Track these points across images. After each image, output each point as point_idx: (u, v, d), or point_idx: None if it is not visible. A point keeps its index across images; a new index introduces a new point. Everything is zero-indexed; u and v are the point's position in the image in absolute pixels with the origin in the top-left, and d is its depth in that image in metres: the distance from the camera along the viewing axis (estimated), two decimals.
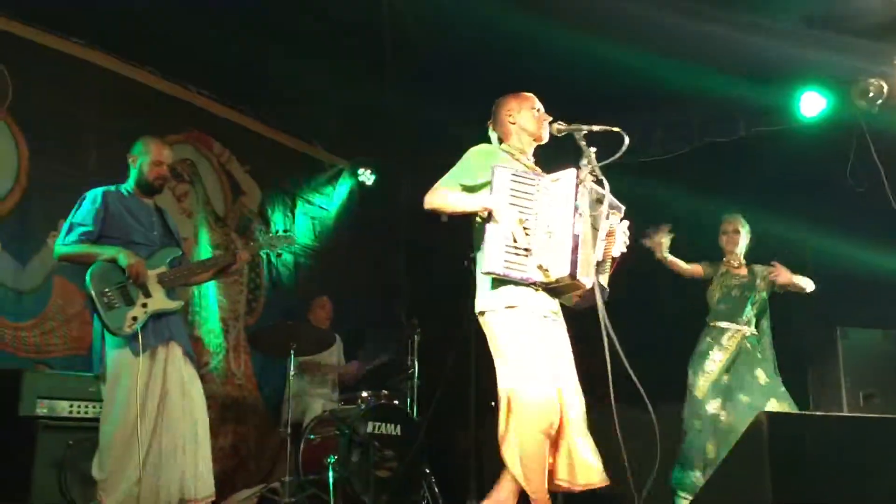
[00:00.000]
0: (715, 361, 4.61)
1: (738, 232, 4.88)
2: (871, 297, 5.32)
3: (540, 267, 3.07)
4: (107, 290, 3.72)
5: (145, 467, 3.65)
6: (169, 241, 4.07)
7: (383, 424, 5.17)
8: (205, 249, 5.99)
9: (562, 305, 3.36)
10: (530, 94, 3.54)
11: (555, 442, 3.11)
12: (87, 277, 3.73)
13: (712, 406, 4.53)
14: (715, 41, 4.99)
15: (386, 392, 5.45)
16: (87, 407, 4.45)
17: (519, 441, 3.05)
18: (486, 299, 3.24)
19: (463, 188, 3.28)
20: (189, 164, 6.11)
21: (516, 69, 5.47)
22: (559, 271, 3.06)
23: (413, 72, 5.82)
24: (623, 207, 3.35)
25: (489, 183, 3.18)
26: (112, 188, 4.00)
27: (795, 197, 5.56)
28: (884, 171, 5.12)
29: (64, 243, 3.84)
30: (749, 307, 4.72)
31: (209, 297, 5.99)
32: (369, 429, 5.07)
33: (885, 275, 5.15)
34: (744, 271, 4.85)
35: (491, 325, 3.22)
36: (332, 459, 4.87)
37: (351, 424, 4.97)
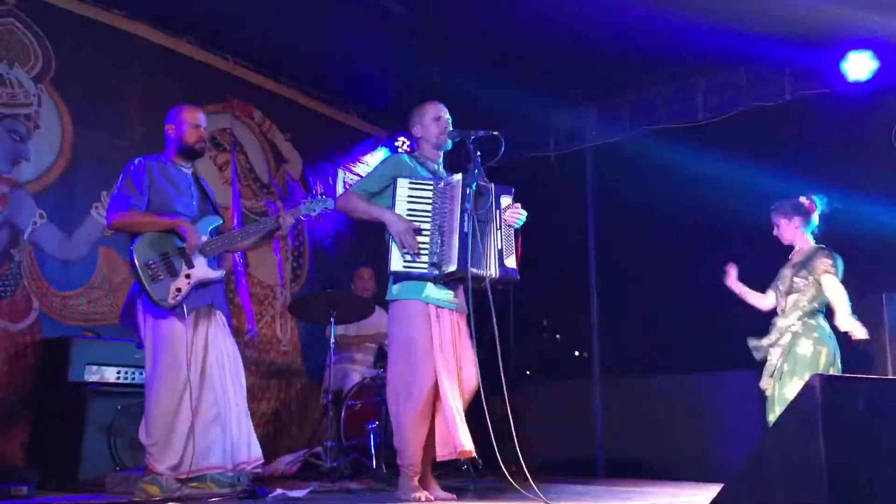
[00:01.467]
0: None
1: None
2: None
3: (434, 264, 3.59)
4: (150, 261, 3.77)
5: (192, 434, 3.71)
6: (207, 210, 4.09)
7: None
8: (238, 217, 6.05)
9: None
10: (434, 104, 3.96)
11: (432, 419, 3.65)
12: (132, 250, 3.77)
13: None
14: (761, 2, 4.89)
15: None
16: (133, 373, 4.56)
17: (393, 418, 3.68)
18: (393, 290, 3.76)
19: (370, 195, 3.82)
20: (228, 134, 6.15)
21: (559, 39, 5.43)
22: (450, 266, 3.56)
23: (455, 42, 5.79)
24: (512, 189, 3.78)
25: (391, 190, 3.71)
26: (152, 158, 4.03)
27: (841, 162, 5.46)
28: None
29: (116, 213, 3.87)
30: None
31: (251, 265, 6.05)
32: None
33: None
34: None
35: (392, 314, 3.75)
36: (372, 425, 4.93)
37: None
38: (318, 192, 6.51)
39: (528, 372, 6.65)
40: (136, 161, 3.97)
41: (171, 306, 3.74)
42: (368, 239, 6.96)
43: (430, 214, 3.65)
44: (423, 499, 3.57)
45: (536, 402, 6.39)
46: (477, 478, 5.15)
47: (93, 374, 4.46)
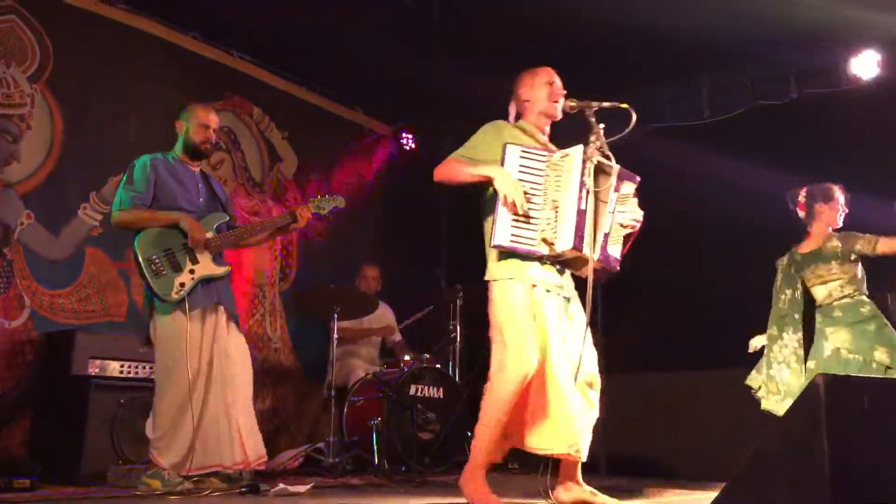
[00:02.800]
0: None
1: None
2: None
3: (545, 240, 3.18)
4: (154, 256, 3.78)
5: (198, 430, 3.72)
6: (215, 207, 4.10)
7: (426, 387, 5.22)
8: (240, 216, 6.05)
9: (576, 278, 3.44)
10: (546, 69, 3.57)
11: (530, 409, 3.27)
12: (135, 245, 3.79)
13: None
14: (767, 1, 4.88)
15: (428, 356, 5.49)
16: (137, 367, 4.56)
17: (485, 404, 3.26)
18: (493, 270, 3.35)
19: (472, 161, 3.36)
20: (226, 132, 6.14)
21: (563, 35, 5.42)
22: (563, 244, 3.15)
23: (457, 37, 5.77)
24: (638, 178, 3.35)
25: (501, 159, 3.27)
26: (159, 155, 4.03)
27: (847, 161, 5.44)
28: None
29: (121, 210, 3.88)
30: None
31: (242, 263, 6.04)
32: (412, 391, 5.12)
33: None
34: None
35: (493, 294, 3.34)
36: (375, 421, 4.93)
37: (394, 387, 5.02)
38: (311, 194, 6.55)
39: None
40: (142, 159, 3.98)
41: (175, 301, 3.74)
42: (362, 235, 7.00)
43: (541, 188, 3.23)
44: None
45: None
46: None
47: (96, 368, 4.46)
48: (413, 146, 7.39)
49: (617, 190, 3.27)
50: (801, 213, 4.51)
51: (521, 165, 3.24)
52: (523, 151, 3.26)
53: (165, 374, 3.75)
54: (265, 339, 6.17)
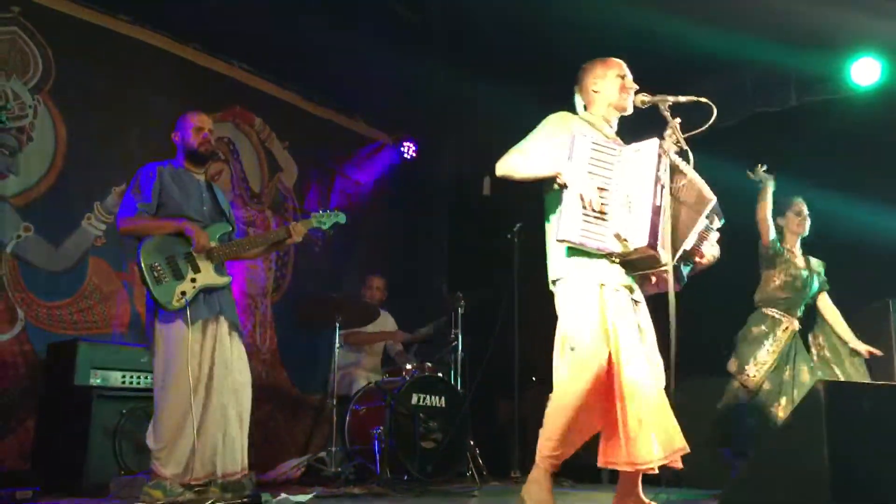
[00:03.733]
0: (769, 352, 4.45)
1: (807, 216, 4.65)
2: None
3: (618, 236, 2.98)
4: (157, 264, 3.78)
5: (199, 439, 3.72)
6: (219, 217, 4.11)
7: (428, 396, 5.21)
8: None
9: None
10: (618, 61, 3.38)
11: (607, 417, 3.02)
12: (139, 251, 3.79)
13: (780, 406, 4.36)
14: (767, 7, 4.89)
15: (430, 364, 5.49)
16: (139, 378, 4.57)
17: (549, 414, 3.07)
18: (559, 267, 3.15)
19: (536, 155, 3.16)
20: (226, 143, 6.16)
21: (560, 44, 5.43)
22: (637, 240, 2.95)
23: (456, 46, 5.80)
24: (714, 200, 3.12)
25: (568, 152, 3.08)
26: (165, 163, 4.05)
27: (847, 168, 5.44)
28: None
29: (125, 217, 3.89)
30: (803, 305, 4.60)
31: (235, 274, 6.04)
32: (414, 400, 5.12)
33: None
34: (803, 262, 4.65)
35: (561, 293, 3.14)
36: (377, 430, 4.93)
37: (396, 396, 5.01)
38: (311, 205, 6.56)
39: (534, 378, 6.62)
40: (148, 166, 3.99)
41: (175, 309, 3.75)
42: (362, 244, 7.01)
43: (612, 183, 3.04)
44: None
45: (543, 409, 6.36)
46: (481, 483, 5.15)
47: (98, 378, 4.46)
48: (414, 155, 7.40)
49: (709, 218, 3.12)
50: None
51: (591, 159, 3.04)
52: (594, 144, 3.08)
53: (166, 383, 3.75)
54: (255, 350, 6.16)
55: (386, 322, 6.09)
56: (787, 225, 4.65)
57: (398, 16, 5.57)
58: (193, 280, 3.83)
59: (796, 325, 4.56)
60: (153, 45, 5.67)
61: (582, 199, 2.96)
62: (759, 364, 4.44)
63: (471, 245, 7.32)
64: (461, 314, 5.79)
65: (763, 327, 4.52)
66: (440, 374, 5.47)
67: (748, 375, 4.45)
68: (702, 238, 3.14)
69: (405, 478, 4.87)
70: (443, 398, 5.29)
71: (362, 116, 7.24)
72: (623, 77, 3.34)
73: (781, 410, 4.37)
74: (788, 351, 4.49)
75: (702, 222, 3.08)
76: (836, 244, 4.82)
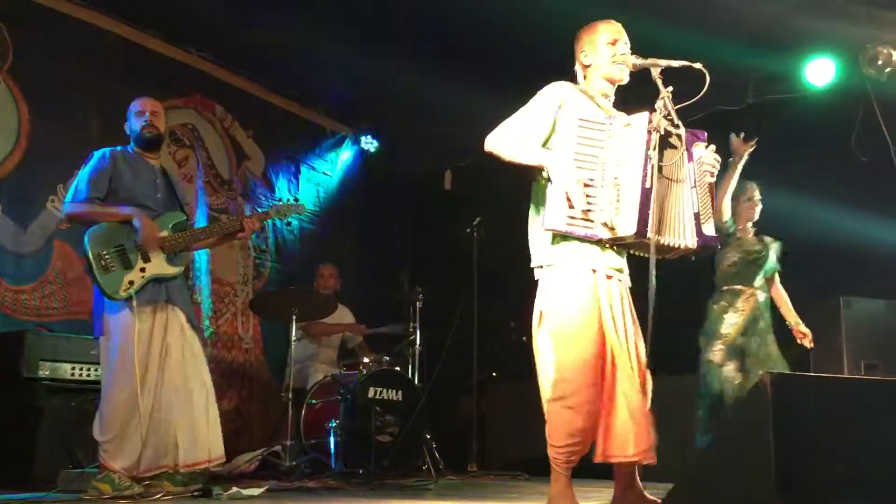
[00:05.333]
0: (731, 325, 4.49)
1: (758, 201, 4.73)
2: (874, 267, 5.30)
3: (605, 224, 2.85)
4: (104, 252, 3.71)
5: (148, 431, 3.66)
6: (173, 206, 4.04)
7: (385, 390, 5.19)
8: (203, 214, 5.98)
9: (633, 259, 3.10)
10: (608, 24, 3.15)
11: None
12: (86, 239, 3.72)
13: (729, 368, 4.42)
14: (725, 7, 4.94)
15: (388, 358, 5.46)
16: (89, 370, 4.47)
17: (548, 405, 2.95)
18: (543, 254, 3.02)
19: (525, 134, 3.02)
20: (189, 129, 6.07)
21: (522, 40, 5.44)
22: (626, 229, 2.82)
23: (418, 40, 5.78)
24: (705, 133, 3.02)
25: (557, 129, 2.98)
26: (118, 148, 3.97)
27: (801, 166, 5.53)
28: (891, 140, 5.07)
29: (73, 202, 3.82)
30: (761, 275, 4.67)
31: (206, 262, 5.97)
32: (371, 394, 5.09)
33: (889, 245, 5.13)
34: (755, 239, 4.72)
35: (547, 279, 3.01)
36: (332, 424, 4.90)
37: (352, 389, 4.99)
38: (282, 193, 6.51)
39: (494, 374, 6.63)
40: (100, 152, 3.92)
41: (122, 299, 3.68)
42: (332, 235, 7.00)
43: (602, 162, 2.89)
44: None
45: (503, 404, 6.38)
46: (437, 477, 5.15)
47: (46, 371, 4.37)
48: (375, 148, 7.38)
49: (691, 159, 2.96)
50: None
51: (579, 137, 2.89)
52: (581, 121, 2.92)
53: (113, 374, 3.68)
54: (236, 338, 6.11)
55: (343, 315, 6.05)
56: (738, 209, 4.71)
57: (360, 8, 5.51)
58: (143, 270, 3.76)
59: (760, 295, 4.59)
60: (113, 31, 5.56)
61: (567, 198, 2.85)
62: (721, 338, 4.49)
63: (432, 239, 7.31)
64: (419, 308, 5.78)
65: (723, 303, 4.58)
66: (397, 368, 5.46)
67: (714, 350, 4.49)
68: (703, 184, 2.99)
69: (360, 472, 4.84)
70: (400, 392, 5.28)
71: (324, 109, 7.18)
72: (614, 42, 3.10)
73: (731, 372, 4.43)
74: (753, 321, 4.53)
75: (691, 169, 2.95)
76: (789, 241, 4.88)
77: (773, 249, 4.69)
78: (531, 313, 3.09)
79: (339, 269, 6.21)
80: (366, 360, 5.39)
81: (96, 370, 4.39)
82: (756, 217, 4.72)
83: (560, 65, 3.44)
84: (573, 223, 2.87)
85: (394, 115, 7.00)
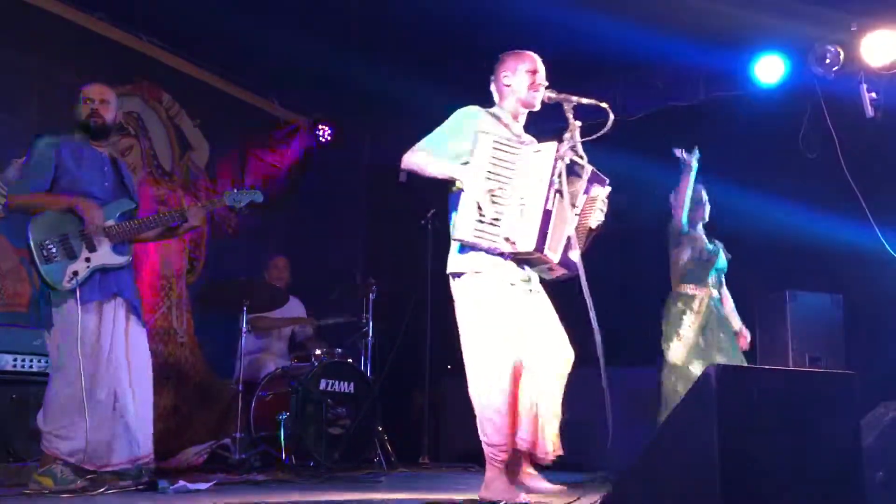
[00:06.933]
0: (689, 326, 4.62)
1: (706, 202, 4.84)
2: (820, 262, 5.40)
3: (507, 239, 3.12)
4: (47, 241, 3.60)
5: (92, 422, 3.57)
6: (121, 194, 3.93)
7: (336, 382, 5.15)
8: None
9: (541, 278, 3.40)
10: (531, 55, 3.44)
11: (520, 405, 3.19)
12: (28, 227, 3.61)
13: (696, 368, 4.50)
14: (675, 4, 4.98)
15: (340, 350, 5.42)
16: (31, 361, 4.36)
17: (475, 401, 3.23)
18: (456, 262, 3.27)
19: (442, 151, 3.28)
20: (135, 118, 5.93)
21: (478, 35, 5.43)
22: (525, 244, 3.10)
23: (373, 32, 5.74)
24: (607, 180, 3.32)
25: (472, 148, 3.20)
26: (66, 137, 3.85)
27: (750, 163, 5.62)
28: (837, 137, 5.18)
29: (16, 191, 3.71)
30: (713, 272, 4.75)
31: (148, 254, 5.84)
32: (322, 386, 5.05)
33: (835, 240, 5.23)
34: (706, 239, 4.82)
35: (457, 289, 3.28)
36: (283, 416, 4.85)
37: (303, 381, 4.94)
38: (224, 184, 6.39)
39: (449, 367, 6.63)
40: (45, 139, 3.80)
41: (66, 289, 3.59)
42: (275, 227, 6.89)
43: (510, 182, 3.14)
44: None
45: (456, 396, 6.36)
46: (389, 470, 5.14)
47: None
48: (329, 139, 7.29)
49: (587, 192, 3.25)
50: None
51: (492, 157, 3.14)
52: (495, 143, 3.17)
53: (58, 365, 3.60)
54: (171, 332, 5.98)
55: (294, 308, 5.99)
56: (689, 212, 4.78)
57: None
58: (88, 259, 3.67)
59: (713, 292, 4.72)
60: (55, 13, 5.39)
61: (479, 208, 3.11)
62: (682, 339, 4.61)
63: (386, 231, 7.27)
64: (373, 300, 5.75)
65: (680, 304, 4.69)
66: (349, 360, 5.42)
67: (673, 351, 4.59)
68: (587, 212, 3.29)
69: (311, 464, 4.80)
70: (351, 384, 5.24)
71: (277, 98, 7.08)
72: (534, 73, 3.39)
73: (698, 371, 4.50)
74: (708, 320, 4.66)
75: (582, 199, 3.23)
76: (736, 236, 4.97)
77: (722, 250, 4.81)
78: None
79: (289, 260, 6.13)
80: (318, 352, 5.34)
81: (39, 361, 4.29)
82: (707, 218, 4.81)
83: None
84: (480, 236, 3.13)
85: (349, 106, 6.94)
